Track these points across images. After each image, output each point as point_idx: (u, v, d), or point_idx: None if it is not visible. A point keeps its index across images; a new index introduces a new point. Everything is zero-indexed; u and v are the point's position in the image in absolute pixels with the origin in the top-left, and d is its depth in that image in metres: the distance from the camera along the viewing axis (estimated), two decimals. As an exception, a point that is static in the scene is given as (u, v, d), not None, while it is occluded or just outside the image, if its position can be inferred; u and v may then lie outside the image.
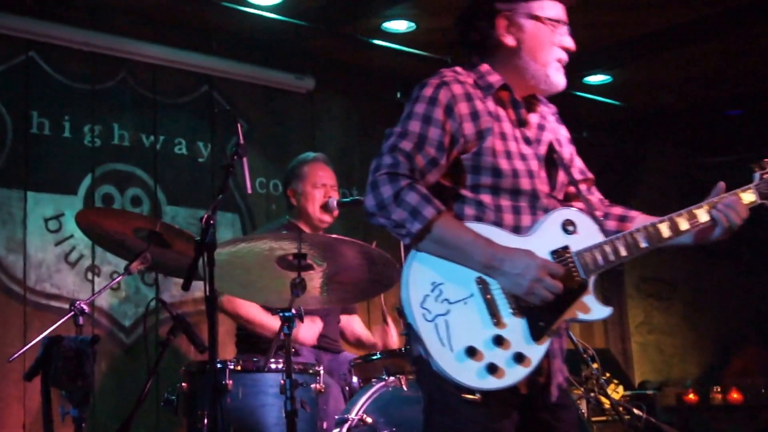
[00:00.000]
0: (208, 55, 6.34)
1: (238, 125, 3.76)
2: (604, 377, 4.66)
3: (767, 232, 8.48)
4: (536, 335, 2.58)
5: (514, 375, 2.55)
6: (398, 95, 7.26)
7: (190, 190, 6.21)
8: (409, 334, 2.66)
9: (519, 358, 2.55)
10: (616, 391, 5.07)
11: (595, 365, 4.45)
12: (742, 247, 8.74)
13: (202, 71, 6.35)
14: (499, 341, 2.55)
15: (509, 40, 2.80)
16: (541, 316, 2.58)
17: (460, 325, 2.55)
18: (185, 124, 6.26)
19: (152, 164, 6.08)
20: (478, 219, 2.67)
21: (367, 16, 6.31)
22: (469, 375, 2.52)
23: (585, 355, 4.37)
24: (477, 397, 2.53)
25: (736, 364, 8.54)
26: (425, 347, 2.54)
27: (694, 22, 6.49)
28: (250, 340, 4.76)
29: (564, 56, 2.82)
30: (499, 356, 2.54)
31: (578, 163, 2.97)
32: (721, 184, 2.83)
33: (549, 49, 2.80)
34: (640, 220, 2.87)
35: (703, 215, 2.78)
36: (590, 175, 2.98)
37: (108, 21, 5.96)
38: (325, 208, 4.83)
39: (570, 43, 2.83)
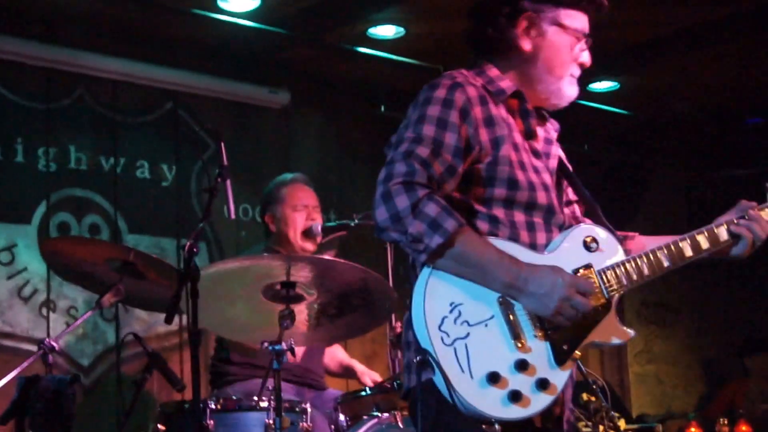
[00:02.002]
0: (172, 69, 6.50)
1: (221, 144, 3.95)
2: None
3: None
4: (560, 359, 2.65)
5: (538, 403, 2.61)
6: (382, 109, 7.44)
7: (154, 216, 6.36)
8: (409, 362, 2.73)
9: (543, 384, 2.61)
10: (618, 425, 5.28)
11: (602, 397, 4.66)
12: (753, 266, 9.00)
13: (167, 86, 6.51)
14: (522, 366, 2.62)
15: (526, 44, 2.87)
16: (565, 339, 2.66)
17: (481, 349, 2.61)
18: (148, 145, 6.43)
19: (112, 189, 6.24)
20: (493, 235, 2.72)
21: (350, 22, 6.46)
22: (493, 404, 2.58)
23: (595, 387, 4.59)
24: (497, 429, 2.59)
25: (724, 395, 8.79)
26: (444, 374, 2.57)
27: (708, 23, 6.64)
28: (225, 376, 4.91)
29: (578, 72, 2.92)
30: (523, 382, 2.61)
31: (579, 181, 3.04)
32: (744, 202, 2.99)
33: (567, 62, 2.89)
34: (640, 239, 3.03)
35: (723, 233, 2.94)
36: (588, 195, 3.04)
37: (63, 33, 6.10)
38: (308, 234, 4.96)
39: (588, 59, 2.93)
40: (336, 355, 5.35)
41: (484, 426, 2.60)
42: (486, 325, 2.65)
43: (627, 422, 6.35)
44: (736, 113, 8.52)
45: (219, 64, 6.76)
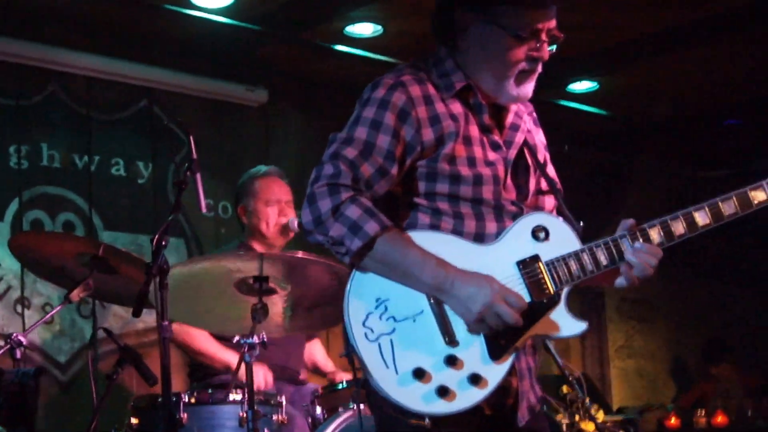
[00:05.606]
0: (147, 65, 6.48)
1: (191, 137, 3.90)
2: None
3: (756, 244, 8.97)
4: (495, 354, 2.59)
5: (467, 398, 2.56)
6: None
7: (130, 214, 6.35)
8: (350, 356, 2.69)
9: (474, 379, 2.57)
10: (597, 417, 5.31)
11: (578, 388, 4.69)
12: (731, 262, 9.14)
13: (142, 83, 6.48)
14: (451, 361, 2.57)
15: (463, 43, 2.80)
16: (502, 333, 2.59)
17: (407, 344, 2.59)
18: (123, 142, 6.41)
19: (86, 187, 6.22)
20: (435, 227, 2.69)
21: (328, 20, 6.44)
22: (414, 398, 2.56)
23: (570, 378, 4.61)
24: (425, 422, 2.56)
25: (695, 390, 8.92)
26: (366, 370, 2.58)
27: (688, 25, 6.66)
28: (204, 370, 4.93)
29: (529, 66, 2.77)
30: (451, 377, 2.56)
31: (550, 172, 2.95)
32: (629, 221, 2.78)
33: (507, 61, 2.75)
34: None
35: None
36: (559, 188, 2.94)
37: (34, 28, 6.07)
38: (284, 229, 4.98)
39: (545, 53, 2.77)
40: (313, 353, 5.33)
41: (412, 421, 2.58)
42: (414, 320, 2.62)
43: (607, 414, 6.37)
44: (713, 114, 8.54)
45: (195, 61, 6.74)
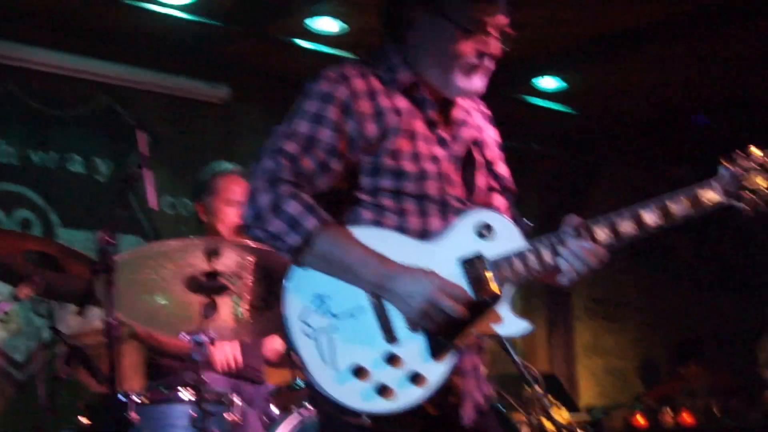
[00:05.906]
0: (107, 62, 6.45)
1: (138, 133, 3.87)
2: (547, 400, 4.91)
3: (729, 244, 9.02)
4: (436, 352, 2.57)
5: (407, 397, 2.54)
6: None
7: (88, 211, 6.32)
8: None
9: (414, 378, 2.55)
10: (560, 415, 5.31)
11: (537, 387, 4.68)
12: (703, 262, 9.18)
13: (101, 80, 6.46)
14: (391, 359, 2.56)
15: (410, 36, 2.80)
16: (442, 331, 2.57)
17: (347, 341, 2.57)
18: (82, 139, 6.39)
19: (43, 184, 6.20)
20: (378, 224, 2.67)
21: (290, 15, 6.41)
22: (353, 396, 2.54)
23: (528, 377, 4.60)
24: (364, 420, 2.55)
25: (661, 389, 9.02)
26: (304, 366, 2.58)
27: (657, 22, 6.65)
28: (162, 369, 4.88)
29: (477, 61, 2.75)
30: (391, 376, 2.55)
31: (501, 170, 2.92)
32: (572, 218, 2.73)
33: (455, 55, 2.74)
34: None
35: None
36: (511, 186, 2.91)
37: None
38: (241, 230, 4.93)
39: (493, 48, 2.76)
40: (273, 344, 5.27)
41: (350, 419, 2.56)
42: (353, 317, 2.61)
43: (573, 413, 6.39)
44: (682, 112, 8.54)
45: (156, 57, 6.71)
